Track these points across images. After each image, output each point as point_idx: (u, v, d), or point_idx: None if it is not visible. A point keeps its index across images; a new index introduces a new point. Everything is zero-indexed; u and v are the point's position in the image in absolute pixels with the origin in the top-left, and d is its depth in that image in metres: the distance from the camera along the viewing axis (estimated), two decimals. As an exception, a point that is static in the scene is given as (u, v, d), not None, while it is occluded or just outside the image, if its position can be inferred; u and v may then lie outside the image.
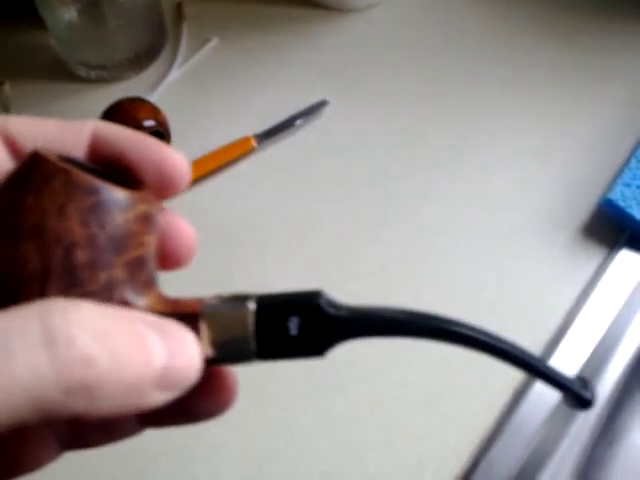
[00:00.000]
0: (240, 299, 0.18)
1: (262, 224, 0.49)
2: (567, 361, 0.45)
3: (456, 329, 0.19)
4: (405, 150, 0.53)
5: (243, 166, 0.52)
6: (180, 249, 0.21)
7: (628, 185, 0.48)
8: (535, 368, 0.20)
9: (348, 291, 0.46)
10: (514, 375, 0.44)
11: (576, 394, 0.20)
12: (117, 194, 0.17)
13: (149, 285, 0.18)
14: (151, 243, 0.19)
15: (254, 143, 0.51)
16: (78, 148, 0.19)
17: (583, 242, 0.49)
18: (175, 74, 0.56)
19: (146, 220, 0.18)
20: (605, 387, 0.47)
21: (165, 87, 0.56)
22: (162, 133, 0.49)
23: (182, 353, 0.17)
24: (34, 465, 0.20)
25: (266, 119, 0.53)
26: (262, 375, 0.44)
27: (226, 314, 0.18)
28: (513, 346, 0.20)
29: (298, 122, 0.53)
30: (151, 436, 0.41)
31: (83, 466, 0.41)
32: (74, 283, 0.17)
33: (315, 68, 0.57)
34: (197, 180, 0.50)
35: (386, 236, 0.49)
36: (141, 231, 0.18)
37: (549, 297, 0.47)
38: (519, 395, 0.43)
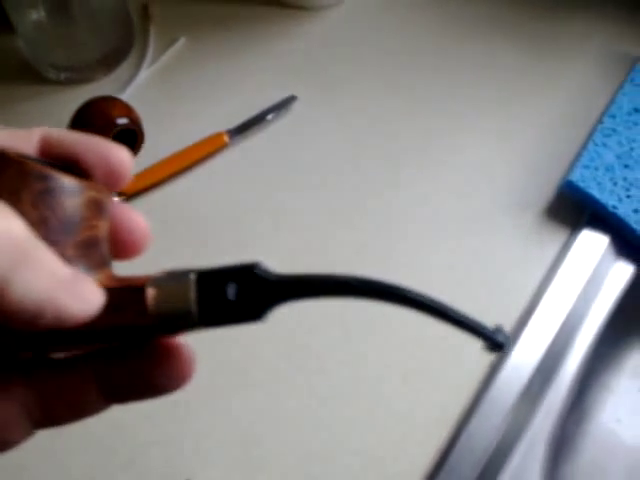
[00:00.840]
0: (183, 271, 0.20)
1: (237, 217, 0.51)
2: (535, 338, 0.47)
3: (376, 286, 0.20)
4: (373, 140, 0.54)
5: (217, 161, 0.53)
6: (132, 239, 0.22)
7: (587, 167, 0.50)
8: (448, 315, 0.22)
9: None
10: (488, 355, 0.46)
11: (489, 338, 0.22)
12: (67, 181, 0.20)
13: (100, 265, 0.20)
14: (101, 227, 0.21)
15: (226, 139, 0.52)
16: (29, 151, 0.21)
17: (547, 223, 0.51)
18: (144, 74, 0.57)
19: (95, 206, 0.20)
20: (573, 363, 0.49)
21: (135, 87, 0.56)
22: (135, 131, 0.50)
23: (85, 284, 0.19)
24: (7, 445, 0.21)
25: (237, 115, 0.54)
26: (245, 361, 0.45)
27: (170, 284, 0.20)
28: (429, 298, 0.21)
29: (269, 117, 0.54)
30: (139, 426, 0.42)
31: (73, 457, 0.41)
32: None
33: (283, 65, 0.58)
34: (172, 176, 0.51)
35: (358, 224, 0.50)
36: (91, 215, 0.20)
37: (516, 277, 0.49)
38: (494, 370, 0.45)
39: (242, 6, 0.61)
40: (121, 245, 0.22)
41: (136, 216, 0.22)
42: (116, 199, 0.22)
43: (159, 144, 0.52)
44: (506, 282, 0.49)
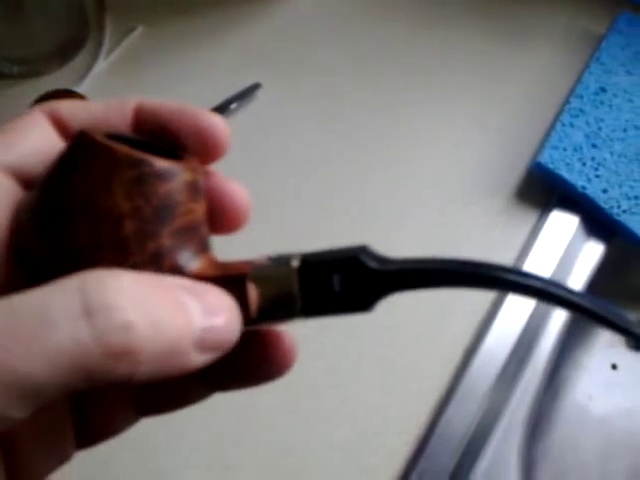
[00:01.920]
0: (285, 258, 0.19)
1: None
2: (509, 321, 0.47)
3: (504, 276, 0.19)
4: (340, 127, 0.53)
5: (180, 154, 0.51)
6: (234, 212, 0.21)
7: (556, 148, 0.50)
8: (593, 313, 0.19)
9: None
10: (464, 336, 0.46)
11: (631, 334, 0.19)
12: (159, 165, 0.18)
13: (200, 251, 0.19)
14: (198, 210, 0.19)
15: (190, 130, 0.51)
16: (123, 125, 0.20)
17: (517, 205, 0.51)
18: (101, 65, 0.55)
19: (191, 188, 0.19)
20: (547, 343, 0.49)
21: (92, 78, 0.54)
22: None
23: (220, 315, 0.17)
24: (114, 430, 0.22)
25: (199, 104, 0.52)
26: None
27: (272, 273, 0.19)
28: (568, 291, 0.19)
29: (232, 106, 0.52)
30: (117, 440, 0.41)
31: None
32: (123, 254, 0.17)
33: (246, 52, 0.56)
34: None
35: (330, 213, 0.49)
36: (186, 199, 0.18)
37: (490, 260, 0.49)
38: (470, 354, 0.45)
39: (201, -9, 0.60)
40: (222, 219, 0.21)
41: (237, 187, 0.21)
42: (212, 170, 0.21)
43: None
44: (479, 266, 0.49)
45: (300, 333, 0.45)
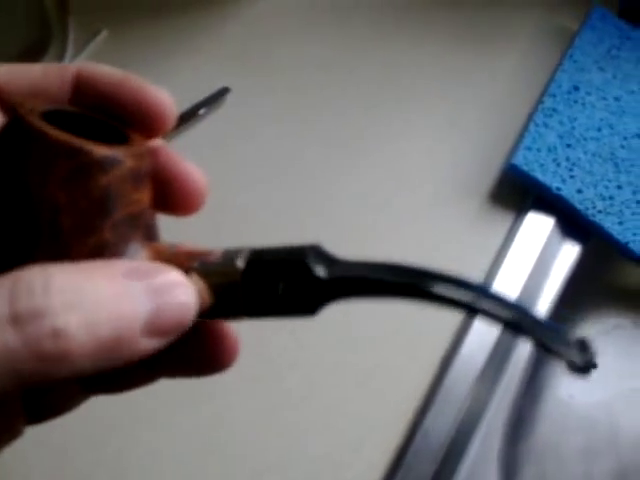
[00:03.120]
0: (233, 255, 0.18)
1: (173, 219, 0.48)
2: (487, 324, 0.46)
3: (440, 293, 0.18)
4: (311, 131, 0.52)
5: (148, 161, 0.50)
6: (190, 194, 0.20)
7: (529, 149, 0.49)
8: (535, 336, 0.18)
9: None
10: (441, 344, 0.45)
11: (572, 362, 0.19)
12: (99, 154, 0.17)
13: (146, 240, 0.18)
14: (142, 198, 0.18)
15: (157, 137, 0.49)
16: (63, 92, 0.19)
17: (493, 207, 0.51)
18: (66, 70, 0.54)
19: (133, 176, 0.18)
20: (525, 346, 0.49)
21: (56, 85, 0.53)
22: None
23: (171, 293, 0.16)
24: (64, 408, 0.21)
25: (167, 111, 0.51)
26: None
27: (216, 271, 0.18)
28: (513, 310, 0.18)
29: (201, 111, 0.51)
30: (82, 448, 0.40)
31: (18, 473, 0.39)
32: (62, 250, 0.16)
33: (213, 55, 0.55)
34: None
35: (301, 216, 0.49)
36: (129, 189, 0.17)
37: (465, 264, 0.48)
38: (447, 362, 0.44)
39: (168, -7, 0.58)
40: (178, 201, 0.20)
41: (191, 167, 0.20)
42: (160, 142, 0.20)
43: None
44: (454, 269, 0.48)
45: (276, 344, 0.44)
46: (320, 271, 0.18)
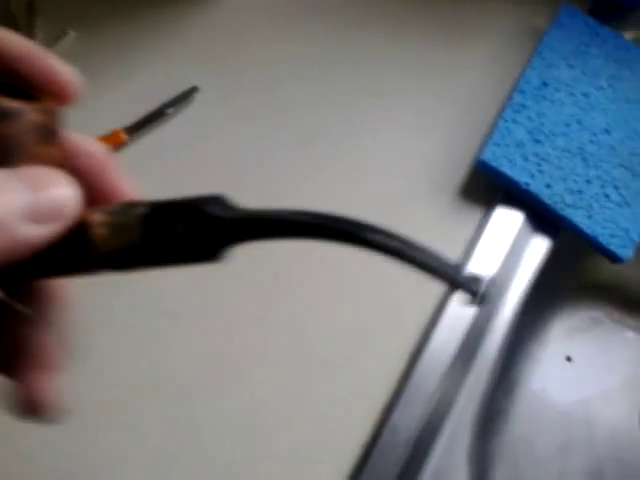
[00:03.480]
0: (136, 205, 0.19)
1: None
2: (458, 317, 0.46)
3: (349, 229, 0.18)
4: (281, 129, 0.52)
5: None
6: (60, 87, 0.20)
7: (498, 145, 0.49)
8: (420, 262, 0.19)
9: (237, 278, 0.45)
10: (409, 339, 0.45)
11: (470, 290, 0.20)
12: (3, 104, 0.17)
13: None
14: (48, 154, 0.19)
15: (124, 136, 0.49)
16: None
17: (463, 202, 0.51)
18: (34, 71, 0.53)
19: (39, 130, 0.18)
20: (495, 338, 0.49)
21: (24, 85, 0.52)
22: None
23: (52, 185, 0.17)
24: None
25: (136, 110, 0.51)
26: (155, 369, 0.42)
27: (119, 219, 0.18)
28: (399, 242, 0.19)
29: (169, 111, 0.51)
30: (42, 454, 0.39)
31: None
32: None
33: (181, 55, 0.55)
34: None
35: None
36: (33, 142, 0.18)
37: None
38: (415, 357, 0.44)
39: (136, -7, 0.58)
40: (53, 93, 0.20)
41: (59, 65, 0.20)
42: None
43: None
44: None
45: (241, 341, 0.44)
46: (217, 211, 0.18)
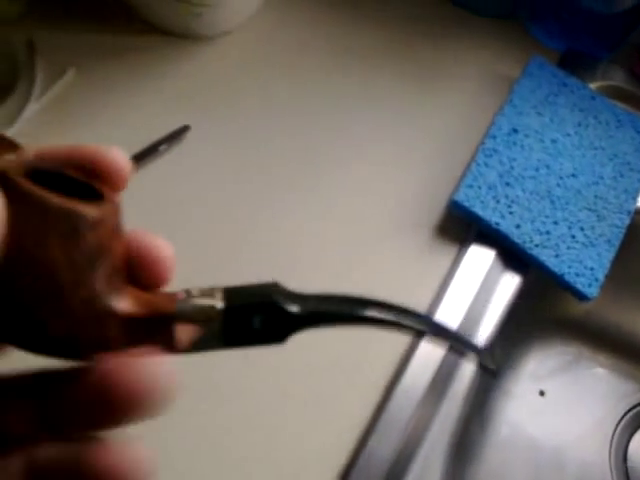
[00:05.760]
0: (208, 295, 0.21)
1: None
2: (430, 350, 0.49)
3: (404, 322, 0.23)
4: (263, 168, 0.55)
5: (109, 195, 0.52)
6: (156, 269, 0.21)
7: (471, 186, 0.53)
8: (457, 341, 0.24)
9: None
10: (385, 370, 0.47)
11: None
12: (92, 215, 0.18)
13: (123, 286, 0.20)
14: (120, 248, 0.20)
15: (118, 171, 0.52)
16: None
17: (438, 240, 0.54)
18: (33, 107, 0.56)
19: (115, 230, 0.19)
20: (468, 372, 0.51)
21: (23, 121, 0.55)
22: (22, 168, 0.49)
23: None
24: None
25: (129, 146, 0.54)
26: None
27: (197, 313, 0.20)
28: (452, 333, 0.23)
29: (162, 147, 0.54)
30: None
31: None
32: (61, 304, 0.18)
33: (175, 94, 0.58)
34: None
35: (249, 255, 0.51)
36: (113, 242, 0.19)
37: (410, 294, 0.51)
38: (391, 386, 0.47)
39: (132, 36, 0.61)
40: (144, 277, 0.21)
41: (159, 242, 0.21)
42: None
43: (49, 179, 0.51)
44: (401, 298, 0.50)
45: (224, 370, 0.46)
46: (292, 308, 0.21)
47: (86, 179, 0.20)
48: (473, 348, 0.24)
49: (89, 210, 0.18)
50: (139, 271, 0.21)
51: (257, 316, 0.21)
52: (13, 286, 0.17)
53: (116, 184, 0.21)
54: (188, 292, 0.21)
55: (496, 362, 0.25)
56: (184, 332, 0.20)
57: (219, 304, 0.20)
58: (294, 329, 0.21)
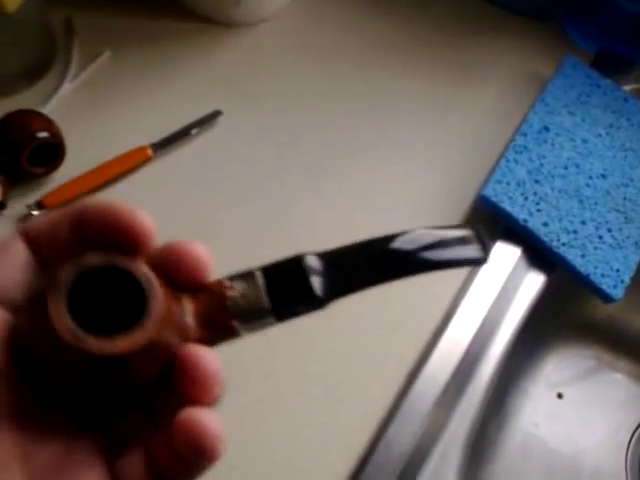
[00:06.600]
0: (249, 277, 0.23)
1: (160, 231, 0.50)
2: (452, 346, 0.49)
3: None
4: (295, 155, 0.56)
5: (140, 175, 0.53)
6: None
7: (499, 182, 0.52)
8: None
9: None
10: (407, 359, 0.47)
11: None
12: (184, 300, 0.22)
13: (188, 327, 0.22)
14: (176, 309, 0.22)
15: (150, 152, 0.52)
16: (63, 233, 0.21)
17: (464, 236, 0.53)
18: (68, 87, 0.57)
19: (166, 316, 0.21)
20: (487, 370, 0.51)
21: (58, 100, 0.56)
22: (56, 144, 0.49)
23: None
24: None
25: (162, 129, 0.54)
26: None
27: (248, 301, 0.23)
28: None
29: (193, 131, 0.54)
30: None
31: None
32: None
33: (208, 80, 0.58)
34: (94, 190, 0.51)
35: (279, 240, 0.51)
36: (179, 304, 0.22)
37: (434, 288, 0.51)
38: (412, 378, 0.47)
39: (169, 20, 0.62)
40: (189, 279, 0.23)
41: (196, 246, 0.23)
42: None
43: (82, 158, 0.51)
44: (424, 293, 0.51)
45: (248, 354, 0.46)
46: (318, 291, 0.23)
47: (130, 268, 0.21)
48: (466, 226, 0.25)
49: (183, 298, 0.22)
50: (183, 274, 0.23)
51: (293, 278, 0.23)
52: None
53: (143, 247, 0.22)
54: (232, 280, 0.23)
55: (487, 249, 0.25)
56: (240, 320, 0.23)
57: (261, 281, 0.23)
58: (331, 299, 0.23)
